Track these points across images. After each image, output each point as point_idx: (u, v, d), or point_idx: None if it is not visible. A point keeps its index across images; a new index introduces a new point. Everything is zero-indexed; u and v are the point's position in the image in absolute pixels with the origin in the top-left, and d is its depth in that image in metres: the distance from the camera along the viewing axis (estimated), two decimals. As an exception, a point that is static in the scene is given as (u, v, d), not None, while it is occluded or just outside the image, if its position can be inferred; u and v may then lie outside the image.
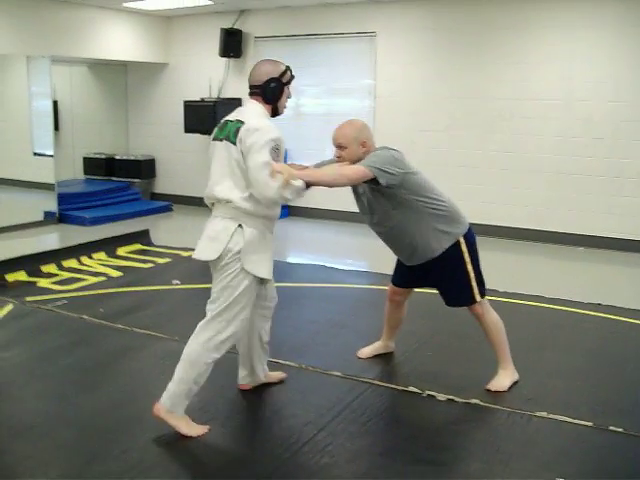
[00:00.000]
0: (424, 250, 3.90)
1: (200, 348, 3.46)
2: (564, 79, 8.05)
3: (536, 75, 8.20)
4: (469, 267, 3.93)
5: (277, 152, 3.43)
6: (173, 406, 3.46)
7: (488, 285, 6.13)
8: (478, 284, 3.96)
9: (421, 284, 4.25)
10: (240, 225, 3.44)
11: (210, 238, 3.52)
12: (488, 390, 4.03)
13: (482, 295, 3.98)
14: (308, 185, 3.51)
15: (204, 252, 3.54)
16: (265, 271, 3.54)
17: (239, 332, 3.57)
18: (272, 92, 3.59)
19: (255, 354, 3.94)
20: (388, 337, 4.60)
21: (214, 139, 3.64)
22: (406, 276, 4.24)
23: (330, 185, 3.68)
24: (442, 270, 3.95)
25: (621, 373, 4.47)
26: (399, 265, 4.28)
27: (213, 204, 3.60)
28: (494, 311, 4.08)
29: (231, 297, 3.46)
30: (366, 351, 4.59)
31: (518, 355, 4.70)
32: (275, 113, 3.65)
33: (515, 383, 4.14)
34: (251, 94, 3.64)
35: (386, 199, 3.81)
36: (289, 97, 3.72)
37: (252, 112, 3.57)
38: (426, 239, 3.87)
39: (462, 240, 3.94)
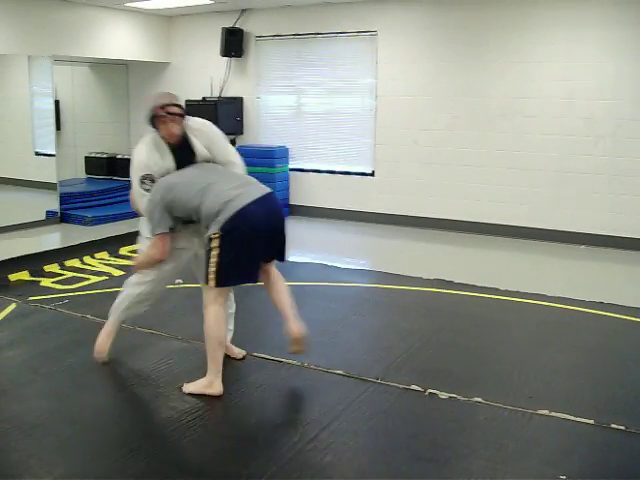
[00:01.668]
0: None
1: None
2: (566, 78, 8.04)
3: (538, 74, 8.19)
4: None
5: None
6: None
7: (489, 284, 6.19)
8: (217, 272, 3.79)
9: None
10: None
11: None
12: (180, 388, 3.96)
13: (217, 284, 3.82)
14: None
15: None
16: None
17: None
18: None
19: None
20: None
21: None
22: None
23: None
24: None
25: (623, 371, 4.49)
26: None
27: None
28: (222, 310, 3.91)
29: None
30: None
31: (519, 353, 4.73)
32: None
33: (213, 397, 3.91)
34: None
35: None
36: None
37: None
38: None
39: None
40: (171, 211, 3.89)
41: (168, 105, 4.00)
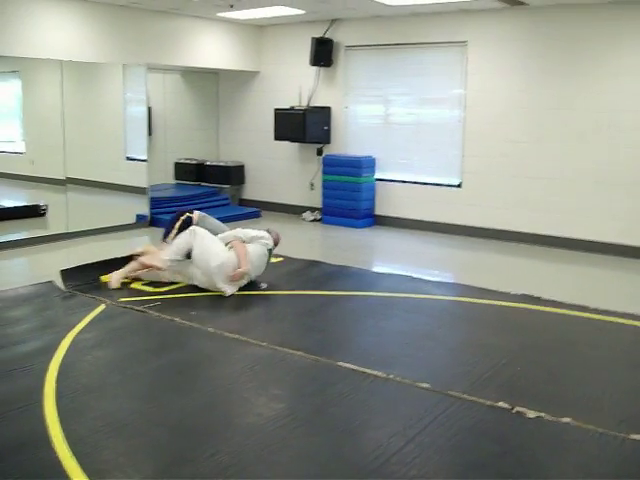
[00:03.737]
0: None
1: None
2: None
3: (631, 86, 7.95)
4: None
5: None
6: None
7: (577, 301, 6.04)
8: None
9: None
10: None
11: None
12: None
13: None
14: None
15: None
16: None
17: None
18: None
19: None
20: None
21: None
22: None
23: None
24: None
25: None
26: None
27: None
28: None
29: None
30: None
31: (610, 374, 4.59)
32: None
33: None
34: None
35: None
36: None
37: None
38: None
39: None
40: None
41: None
